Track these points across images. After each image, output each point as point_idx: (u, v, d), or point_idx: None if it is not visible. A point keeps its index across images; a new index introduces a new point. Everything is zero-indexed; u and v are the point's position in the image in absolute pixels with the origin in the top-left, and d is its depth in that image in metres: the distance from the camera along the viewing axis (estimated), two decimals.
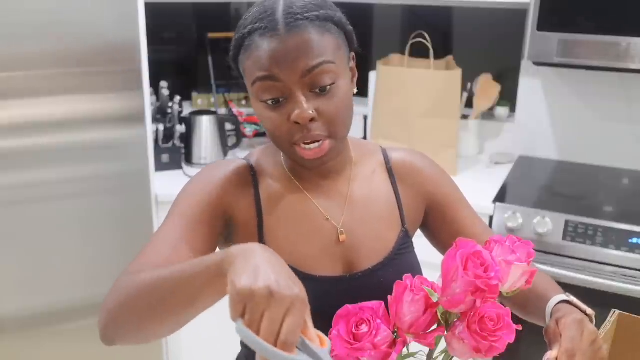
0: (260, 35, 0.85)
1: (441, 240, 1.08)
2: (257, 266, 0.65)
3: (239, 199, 0.96)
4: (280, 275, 0.65)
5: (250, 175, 0.98)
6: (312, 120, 0.86)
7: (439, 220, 1.07)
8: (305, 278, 0.93)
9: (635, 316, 1.02)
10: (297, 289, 0.65)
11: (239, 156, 1.02)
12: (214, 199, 0.93)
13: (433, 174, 1.07)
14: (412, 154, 1.08)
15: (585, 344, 0.84)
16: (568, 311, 0.89)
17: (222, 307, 1.30)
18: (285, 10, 0.86)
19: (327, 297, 0.89)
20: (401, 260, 0.99)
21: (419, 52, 2.20)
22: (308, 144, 0.88)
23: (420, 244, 1.08)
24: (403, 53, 2.24)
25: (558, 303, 0.93)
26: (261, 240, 0.95)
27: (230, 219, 0.96)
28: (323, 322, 0.81)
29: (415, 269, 1.01)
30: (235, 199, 0.95)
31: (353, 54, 0.95)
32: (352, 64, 0.95)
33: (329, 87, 0.87)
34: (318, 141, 0.88)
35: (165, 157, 2.20)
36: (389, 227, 1.00)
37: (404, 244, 1.01)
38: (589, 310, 0.92)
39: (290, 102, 0.86)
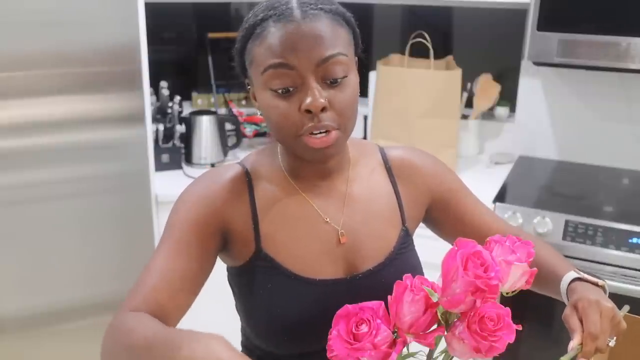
0: (274, 22, 0.85)
1: (450, 233, 1.09)
2: None
3: (234, 209, 0.94)
4: None
5: (245, 181, 0.96)
6: (323, 109, 0.86)
7: (445, 214, 1.07)
8: (305, 282, 0.93)
9: (636, 316, 1.02)
10: None
11: (239, 156, 1.02)
12: (206, 218, 0.92)
13: (433, 170, 1.07)
14: (411, 151, 1.08)
15: (605, 323, 0.87)
16: (582, 291, 0.91)
17: (222, 307, 1.31)
18: (299, 0, 0.86)
19: (329, 300, 0.89)
20: (402, 259, 0.99)
21: (419, 52, 2.20)
22: (317, 133, 0.87)
23: (421, 244, 1.08)
24: (403, 53, 2.24)
25: (571, 282, 0.95)
26: (258, 245, 0.94)
27: (226, 230, 0.95)
28: (325, 325, 0.81)
29: (416, 267, 1.01)
30: (229, 209, 0.94)
31: (356, 58, 0.95)
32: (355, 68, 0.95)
33: (340, 79, 0.87)
34: (327, 131, 0.87)
35: (165, 157, 2.20)
36: (389, 226, 1.00)
37: (405, 243, 1.01)
38: (600, 282, 0.95)
39: (302, 91, 0.86)
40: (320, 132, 0.86)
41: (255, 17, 0.88)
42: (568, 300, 0.94)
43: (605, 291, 0.94)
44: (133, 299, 0.85)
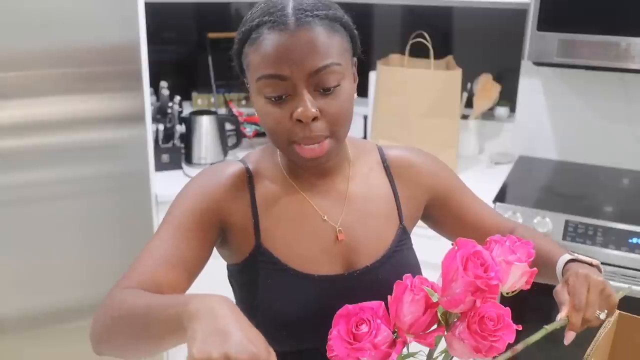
0: (268, 29, 0.85)
1: (449, 230, 1.10)
2: (214, 331, 0.64)
3: (234, 204, 0.95)
4: (238, 336, 0.64)
5: (245, 178, 0.98)
6: (314, 119, 0.86)
7: (444, 212, 1.08)
8: (304, 278, 0.94)
9: (635, 316, 1.02)
10: (255, 348, 0.64)
11: (239, 156, 1.02)
12: (207, 208, 0.93)
13: (431, 168, 1.08)
14: (409, 150, 1.09)
15: (593, 295, 0.87)
16: (574, 269, 0.92)
17: None
18: (295, 6, 0.86)
19: (326, 296, 0.90)
20: (399, 257, 1.00)
21: (419, 52, 2.20)
22: (308, 143, 0.88)
23: (421, 244, 1.08)
24: (403, 53, 2.24)
25: (566, 263, 0.96)
26: (258, 241, 0.95)
27: (226, 224, 0.96)
28: (323, 321, 0.82)
29: (413, 265, 1.02)
30: (229, 204, 0.95)
31: (355, 59, 0.95)
32: (354, 69, 0.95)
33: (333, 88, 0.87)
34: (318, 141, 0.88)
35: (165, 157, 2.20)
36: (386, 224, 1.01)
37: (402, 241, 1.01)
38: (595, 262, 0.96)
39: (294, 100, 0.86)
40: (313, 143, 0.88)
41: (251, 22, 0.88)
42: None
43: (600, 270, 0.95)
44: (128, 278, 0.86)
